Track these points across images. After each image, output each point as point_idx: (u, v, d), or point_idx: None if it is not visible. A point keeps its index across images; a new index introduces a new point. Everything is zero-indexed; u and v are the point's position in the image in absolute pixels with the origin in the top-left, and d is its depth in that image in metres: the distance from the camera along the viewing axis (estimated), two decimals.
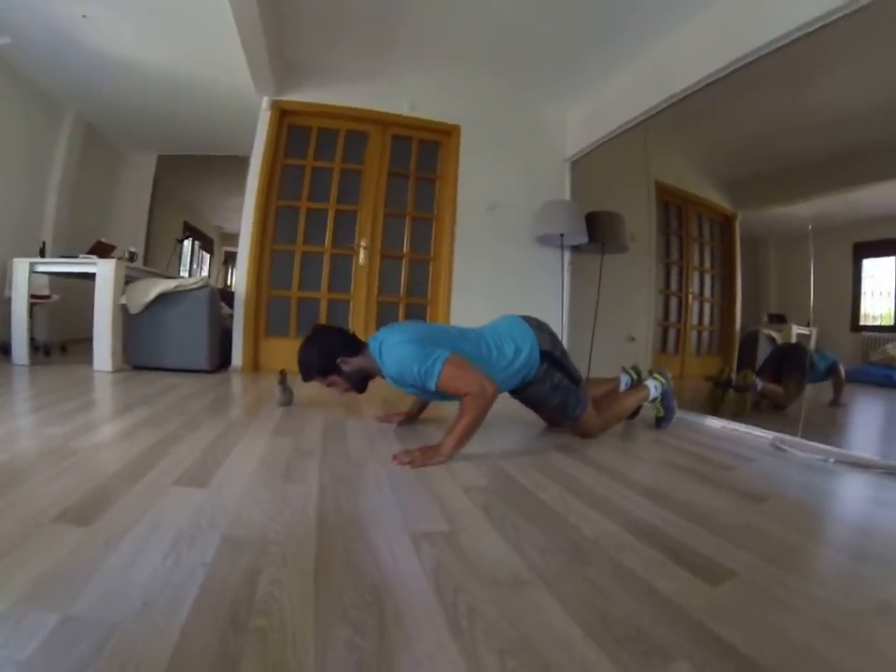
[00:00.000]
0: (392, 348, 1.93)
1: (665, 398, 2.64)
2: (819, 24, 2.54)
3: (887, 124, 2.89)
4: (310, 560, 1.01)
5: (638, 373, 2.76)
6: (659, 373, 2.67)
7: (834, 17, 2.47)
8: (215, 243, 13.07)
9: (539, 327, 2.27)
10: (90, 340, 3.91)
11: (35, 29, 3.98)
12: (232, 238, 12.83)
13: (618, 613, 0.90)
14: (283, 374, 2.73)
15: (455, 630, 0.81)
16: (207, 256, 13.00)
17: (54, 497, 1.25)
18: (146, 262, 5.62)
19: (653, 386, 2.60)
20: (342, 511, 1.29)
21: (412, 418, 2.44)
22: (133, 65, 4.58)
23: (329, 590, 0.90)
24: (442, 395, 1.95)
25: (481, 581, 0.98)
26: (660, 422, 2.69)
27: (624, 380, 2.72)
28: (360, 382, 2.14)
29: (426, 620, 0.84)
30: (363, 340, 2.17)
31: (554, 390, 2.21)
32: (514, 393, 2.28)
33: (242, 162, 6.91)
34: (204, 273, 12.80)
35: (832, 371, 3.22)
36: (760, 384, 3.30)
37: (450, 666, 0.72)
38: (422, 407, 2.47)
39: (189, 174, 8.09)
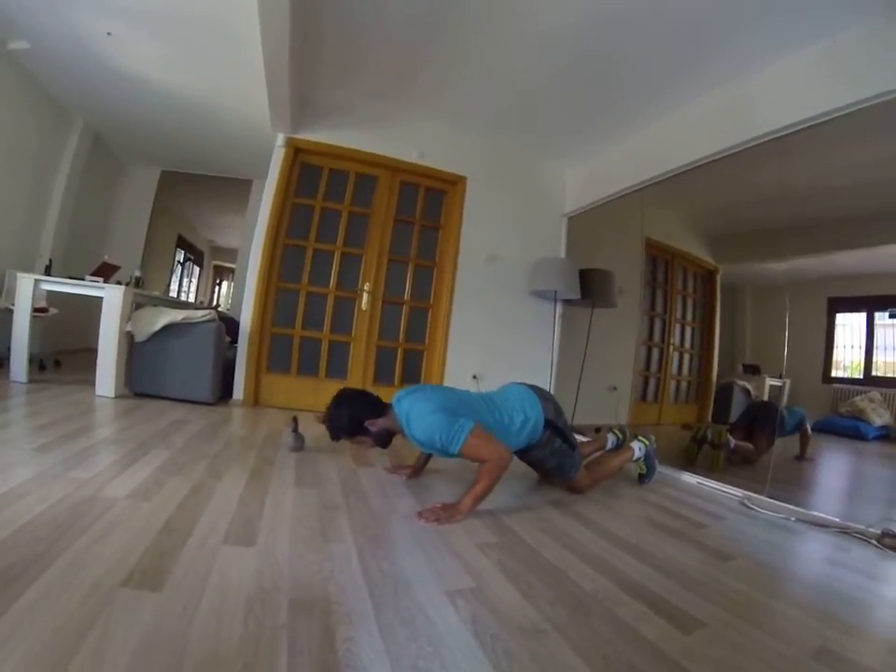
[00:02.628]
0: (422, 417, 2.12)
1: (647, 458, 2.92)
2: (804, 125, 2.93)
3: (849, 202, 3.27)
4: (371, 619, 1.21)
5: (624, 434, 3.02)
6: (643, 437, 2.94)
7: (816, 121, 2.88)
8: (205, 256, 13.07)
9: (544, 397, 2.51)
10: (84, 352, 3.84)
11: (56, 38, 4.03)
12: (223, 252, 12.91)
13: (615, 654, 1.17)
14: (295, 421, 2.89)
15: (499, 670, 1.06)
16: (197, 269, 12.99)
17: (112, 559, 1.30)
18: (143, 277, 5.66)
19: (637, 448, 2.88)
20: (383, 570, 1.49)
21: (418, 471, 2.63)
22: (150, 85, 4.68)
23: (395, 644, 1.11)
24: (460, 456, 2.14)
25: (509, 630, 1.22)
26: (642, 478, 2.97)
27: (611, 439, 2.99)
28: (385, 440, 2.31)
29: (476, 663, 1.08)
30: (385, 402, 2.34)
31: (553, 454, 2.46)
32: (517, 453, 2.48)
33: (241, 184, 7.16)
34: (194, 287, 12.79)
35: (799, 425, 3.45)
36: (733, 442, 3.53)
37: None
38: (426, 460, 2.66)
39: (188, 189, 8.15)
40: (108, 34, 3.90)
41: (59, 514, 1.56)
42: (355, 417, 2.23)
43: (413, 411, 2.16)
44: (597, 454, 2.95)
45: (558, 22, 3.11)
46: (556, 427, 2.45)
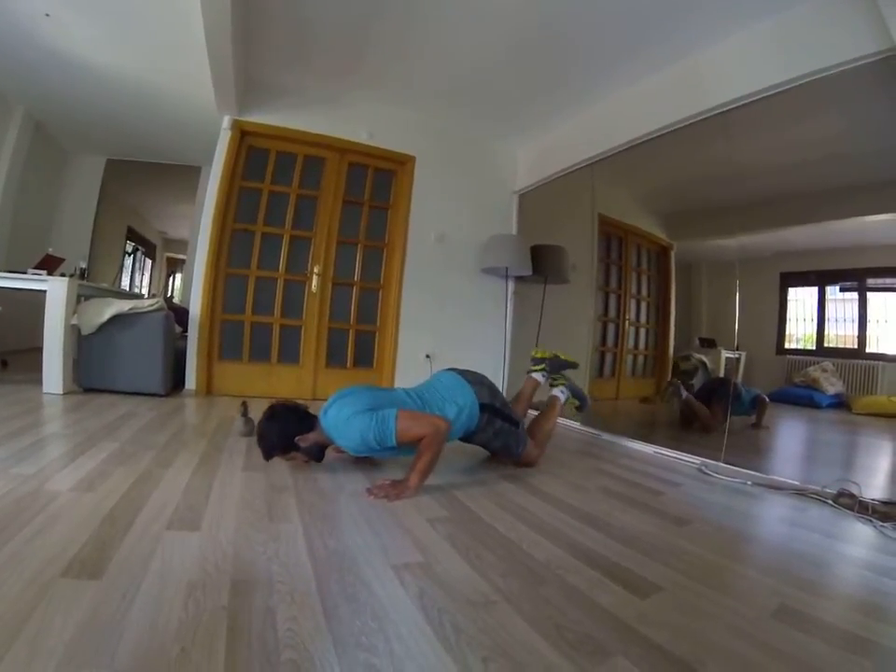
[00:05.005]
0: (346, 423, 2.06)
1: (573, 393, 2.93)
2: (752, 98, 2.98)
3: (794, 179, 3.33)
4: (315, 596, 1.17)
5: (543, 361, 2.97)
6: (533, 366, 2.96)
7: (756, 97, 2.95)
8: (157, 248, 12.72)
9: (478, 382, 2.46)
10: (32, 351, 3.72)
11: None
12: (176, 244, 12.52)
13: (569, 623, 1.14)
14: (245, 406, 2.83)
15: (446, 644, 1.02)
16: (149, 262, 12.64)
17: (54, 550, 1.27)
18: (91, 270, 5.47)
19: (559, 392, 2.89)
20: (329, 547, 1.45)
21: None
22: (91, 68, 4.46)
23: (338, 621, 1.07)
24: (407, 450, 2.10)
25: (458, 603, 1.19)
26: (581, 408, 2.99)
27: (539, 377, 2.96)
28: (318, 454, 2.25)
29: (422, 637, 1.04)
30: (313, 414, 2.26)
31: (496, 436, 2.44)
32: (461, 440, 2.46)
33: (189, 171, 6.94)
34: (146, 280, 12.45)
35: (755, 403, 3.54)
36: (685, 393, 3.65)
37: None
38: None
39: (136, 178, 7.82)
40: (47, 14, 3.69)
41: (2, 510, 1.51)
42: (284, 434, 2.15)
43: (337, 420, 2.10)
44: (534, 412, 2.95)
45: None
46: (494, 409, 2.42)
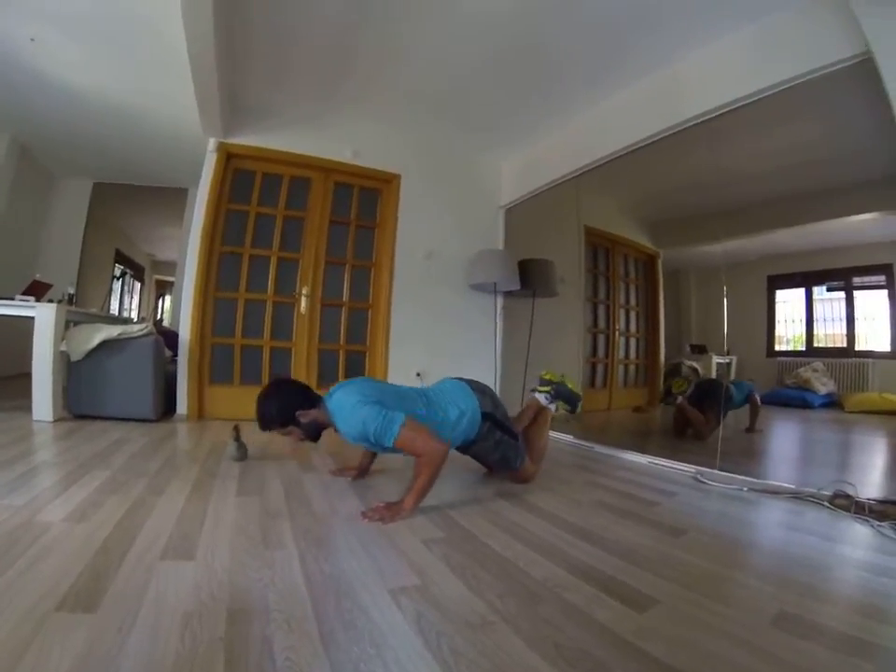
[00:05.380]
0: (352, 410, 2.07)
1: (558, 395, 2.88)
2: (732, 107, 3.04)
3: (776, 184, 3.37)
4: (312, 623, 1.16)
5: (547, 382, 2.95)
6: (540, 386, 2.93)
7: (738, 105, 3.01)
8: (146, 271, 12.69)
9: (481, 391, 2.48)
10: (20, 377, 3.70)
11: None
12: (164, 266, 12.51)
13: (567, 641, 1.13)
14: (237, 430, 2.81)
15: (445, 669, 1.02)
16: (138, 285, 12.61)
17: (47, 583, 1.25)
18: (79, 295, 5.46)
19: (543, 398, 2.87)
20: (324, 572, 1.44)
21: (363, 472, 2.58)
22: (76, 91, 4.46)
23: (336, 648, 1.06)
24: (397, 451, 2.11)
25: (456, 625, 1.18)
26: (571, 412, 2.95)
27: (541, 397, 2.91)
28: (315, 433, 2.25)
29: (420, 662, 1.04)
30: (318, 394, 2.28)
31: (496, 447, 2.44)
32: (459, 449, 2.47)
33: (177, 193, 6.93)
34: (136, 303, 12.42)
35: (748, 397, 3.56)
36: (680, 398, 3.70)
37: None
38: (371, 460, 2.60)
39: (123, 201, 7.86)
40: (31, 39, 3.70)
41: None
42: (286, 407, 2.16)
43: (344, 404, 2.11)
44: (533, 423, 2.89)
45: (483, 9, 3.10)
46: (495, 420, 2.43)
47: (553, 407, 2.87)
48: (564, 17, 3.10)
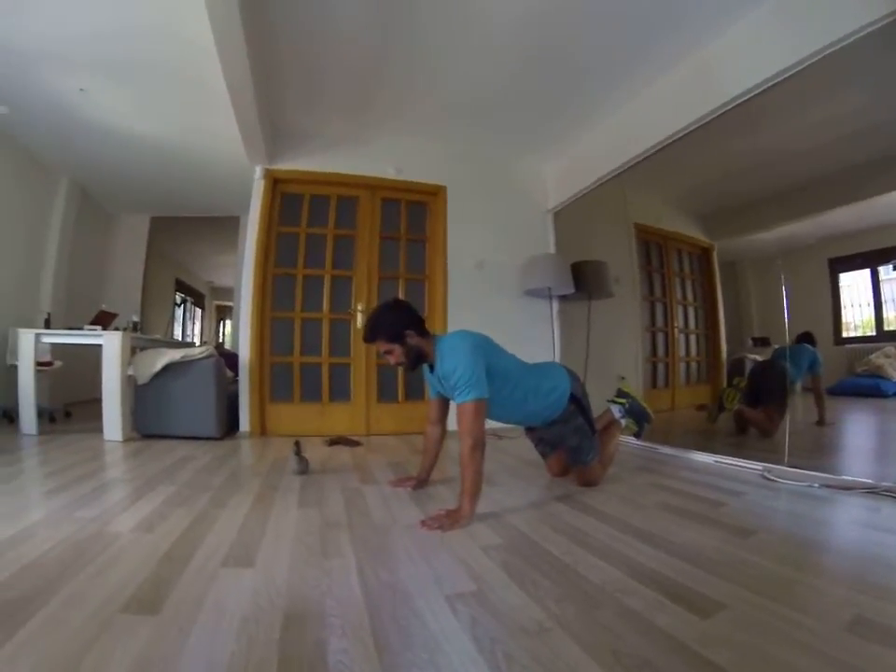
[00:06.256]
0: (459, 351, 2.15)
1: (632, 412, 2.84)
2: (767, 84, 2.90)
3: (827, 159, 3.22)
4: (367, 628, 1.16)
5: (622, 394, 2.93)
6: (616, 397, 2.89)
7: (772, 82, 2.87)
8: (206, 297, 13.20)
9: (575, 377, 2.54)
10: (93, 402, 3.92)
11: (32, 100, 4.12)
12: (223, 292, 13.00)
13: (626, 648, 1.08)
14: (298, 445, 2.85)
15: None
16: (199, 311, 13.12)
17: (113, 588, 1.32)
18: (143, 322, 5.74)
19: (616, 410, 2.83)
20: (381, 580, 1.44)
21: (422, 482, 2.58)
22: (127, 134, 4.75)
23: (389, 653, 1.06)
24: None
25: (511, 632, 1.16)
26: (638, 435, 2.91)
27: (616, 409, 2.88)
28: (415, 360, 2.29)
29: (473, 668, 1.01)
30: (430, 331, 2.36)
31: (575, 432, 2.44)
32: (535, 430, 2.52)
33: (230, 222, 7.18)
34: (198, 329, 12.90)
35: (812, 364, 3.40)
36: (737, 405, 3.56)
37: None
38: (430, 469, 2.61)
39: (179, 233, 8.27)
40: (81, 90, 3.97)
41: (63, 552, 1.58)
42: (399, 322, 2.23)
43: (455, 342, 2.21)
44: (605, 430, 2.84)
45: (511, 17, 3.13)
46: (581, 405, 2.45)
47: (623, 422, 2.83)
48: (587, 15, 3.10)
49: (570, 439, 2.46)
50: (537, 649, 1.08)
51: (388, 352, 2.27)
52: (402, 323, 2.23)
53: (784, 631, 1.15)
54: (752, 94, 2.99)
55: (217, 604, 1.26)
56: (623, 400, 2.85)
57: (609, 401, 2.91)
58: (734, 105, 3.11)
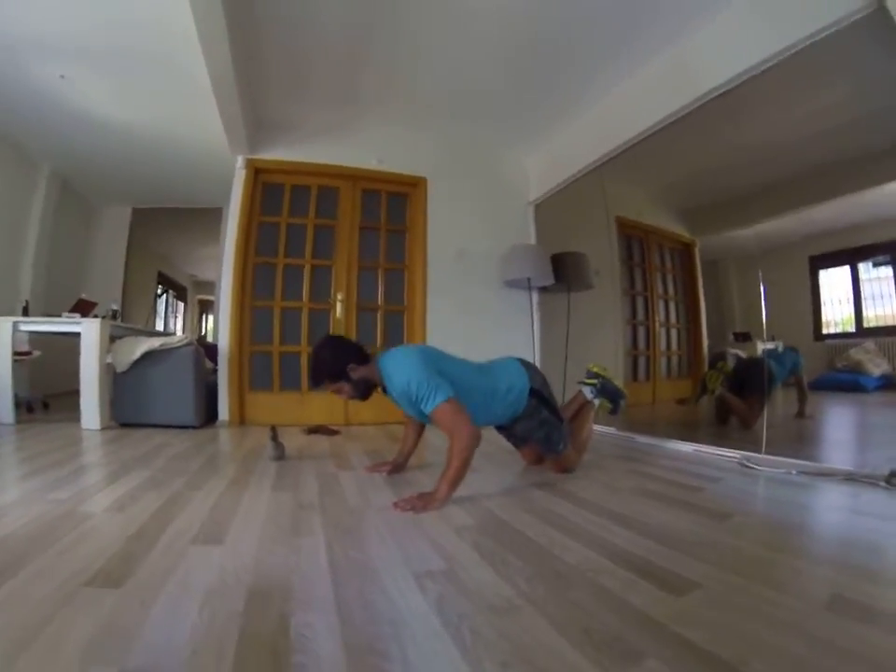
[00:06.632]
0: (403, 367, 2.10)
1: (603, 391, 2.81)
2: (745, 76, 2.91)
3: (807, 154, 3.24)
4: (331, 604, 1.13)
5: (594, 375, 2.89)
6: (587, 378, 2.87)
7: (752, 73, 2.87)
8: (188, 291, 13.09)
9: (533, 369, 2.50)
10: (72, 394, 3.88)
11: (13, 87, 4.05)
12: (206, 286, 12.87)
13: (598, 626, 1.06)
14: (274, 430, 2.82)
15: (462, 649, 0.97)
16: (181, 305, 13.01)
17: (80, 563, 1.31)
18: (124, 316, 5.68)
19: (588, 392, 2.81)
20: (350, 558, 1.42)
21: (399, 467, 2.55)
22: (109, 123, 4.69)
23: (353, 627, 1.04)
24: (430, 422, 2.11)
25: (479, 608, 1.13)
26: (614, 411, 2.88)
27: (587, 391, 2.85)
28: (365, 390, 2.25)
29: (438, 643, 0.99)
30: (370, 353, 2.30)
31: (541, 425, 2.39)
32: (503, 428, 2.48)
33: (213, 213, 7.07)
34: (180, 323, 12.80)
35: (794, 369, 3.42)
36: (719, 389, 3.58)
37: None
38: (407, 456, 2.59)
39: (162, 225, 8.16)
40: (61, 76, 3.91)
41: (33, 529, 1.58)
42: (338, 361, 2.18)
43: (399, 361, 2.15)
44: (577, 415, 2.82)
45: (493, 9, 3.15)
46: (542, 397, 2.40)
47: (595, 402, 2.80)
48: (568, 8, 3.10)
49: (537, 432, 2.42)
50: (504, 625, 1.06)
51: (337, 391, 2.25)
52: (341, 360, 2.18)
53: (761, 609, 1.13)
54: (730, 86, 2.99)
55: (182, 579, 1.25)
56: (593, 381, 2.83)
57: (579, 383, 2.89)
58: (712, 96, 3.11)
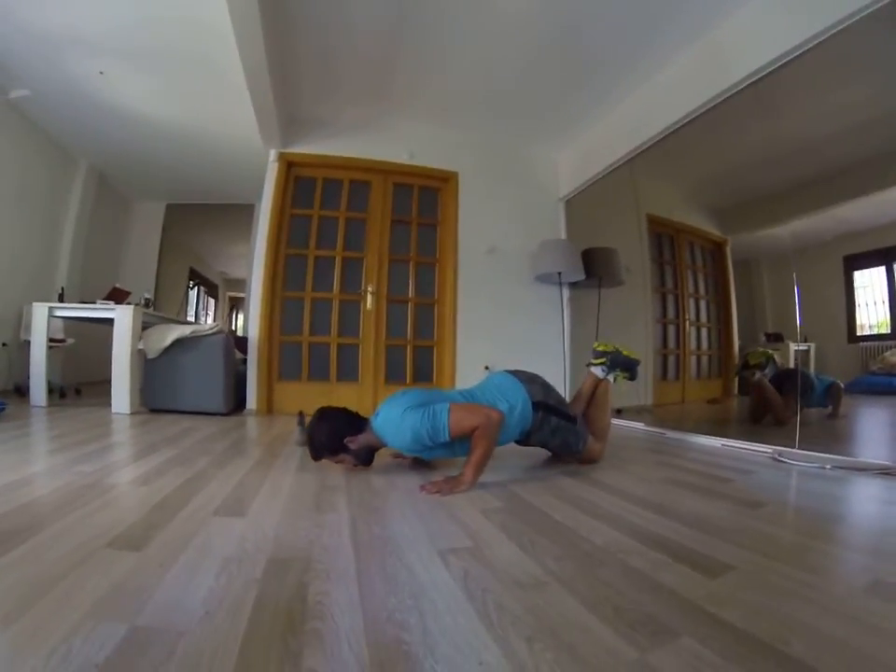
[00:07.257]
0: (398, 420, 2.02)
1: (614, 365, 2.69)
2: (777, 64, 2.82)
3: (842, 150, 3.12)
4: (352, 575, 1.11)
5: (601, 353, 2.77)
6: (594, 359, 2.74)
7: (787, 58, 2.78)
8: (219, 288, 13.27)
9: (529, 380, 2.38)
10: (104, 383, 3.95)
11: (53, 83, 4.18)
12: (236, 284, 13.01)
13: (628, 604, 1.02)
14: (301, 415, 2.83)
15: (487, 623, 0.93)
16: (212, 301, 13.20)
17: (102, 527, 1.33)
18: (156, 308, 5.81)
19: (600, 371, 2.69)
20: (374, 534, 1.40)
21: (423, 460, 2.49)
22: (145, 119, 4.81)
23: (373, 598, 1.01)
24: (463, 447, 2.05)
25: (504, 584, 1.10)
26: (632, 378, 2.76)
27: (599, 371, 2.73)
28: (367, 456, 2.21)
29: (460, 615, 0.96)
30: (364, 417, 2.24)
31: (554, 433, 2.32)
32: (520, 443, 2.38)
33: (245, 210, 7.19)
34: (210, 320, 12.97)
35: (829, 393, 3.32)
36: (757, 373, 3.50)
37: (485, 651, 0.84)
38: None
39: (194, 222, 8.30)
40: (101, 73, 4.03)
41: (59, 496, 1.61)
42: (334, 435, 2.13)
43: (388, 418, 2.08)
44: (592, 402, 2.72)
45: (522, 5, 3.16)
46: (548, 406, 2.31)
47: (611, 378, 2.70)
48: (597, 4, 3.10)
49: (552, 441, 2.36)
50: (531, 600, 1.02)
51: (339, 461, 2.20)
52: (337, 435, 2.13)
53: (799, 592, 1.08)
54: (763, 74, 2.91)
55: (202, 546, 1.25)
56: (601, 360, 2.71)
57: (588, 365, 2.79)
58: (744, 85, 3.04)
